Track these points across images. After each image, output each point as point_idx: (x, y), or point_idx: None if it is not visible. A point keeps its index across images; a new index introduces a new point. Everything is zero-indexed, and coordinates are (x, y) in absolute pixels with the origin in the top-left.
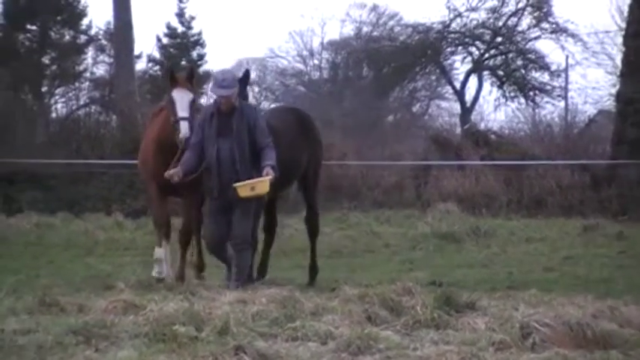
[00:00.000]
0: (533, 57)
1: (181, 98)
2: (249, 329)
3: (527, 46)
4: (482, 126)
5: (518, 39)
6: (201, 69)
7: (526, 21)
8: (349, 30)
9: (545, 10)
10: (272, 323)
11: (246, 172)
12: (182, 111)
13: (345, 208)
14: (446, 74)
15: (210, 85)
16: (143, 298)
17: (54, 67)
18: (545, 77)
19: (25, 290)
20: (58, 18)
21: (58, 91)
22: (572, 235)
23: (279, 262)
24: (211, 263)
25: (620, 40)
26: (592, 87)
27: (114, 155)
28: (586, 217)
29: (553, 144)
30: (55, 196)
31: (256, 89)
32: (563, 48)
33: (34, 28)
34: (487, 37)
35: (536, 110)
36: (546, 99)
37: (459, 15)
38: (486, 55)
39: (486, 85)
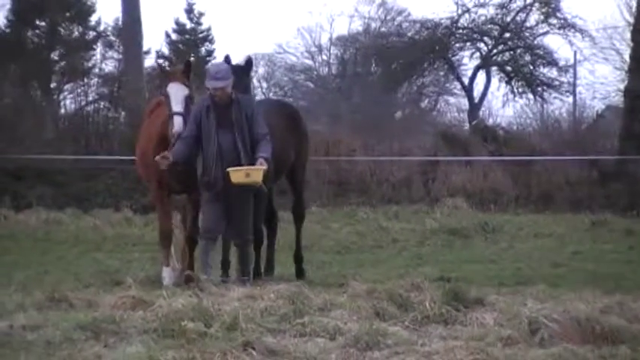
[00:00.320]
0: (541, 52)
1: (176, 93)
2: (258, 325)
3: (536, 42)
4: (490, 122)
5: (527, 35)
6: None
7: (534, 17)
8: (357, 26)
9: (553, 5)
10: (281, 319)
11: (249, 163)
12: (176, 105)
13: (353, 204)
14: (454, 70)
15: (206, 79)
16: (152, 293)
17: (63, 63)
18: (553, 73)
19: (34, 286)
20: (67, 14)
21: (66, 87)
22: (580, 231)
23: (288, 259)
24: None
25: (628, 35)
26: (600, 82)
27: (122, 151)
28: (594, 213)
29: (561, 139)
30: (63, 192)
31: (265, 85)
32: (571, 43)
33: (42, 24)
34: (495, 33)
35: (545, 106)
36: (554, 94)
37: (467, 11)
38: (495, 51)
39: (494, 80)
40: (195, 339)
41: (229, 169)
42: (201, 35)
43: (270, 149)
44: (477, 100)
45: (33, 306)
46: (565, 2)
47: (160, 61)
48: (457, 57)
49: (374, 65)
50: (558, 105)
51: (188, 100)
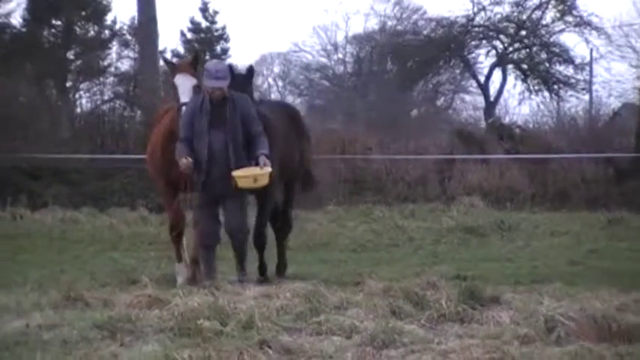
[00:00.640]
0: (557, 50)
1: (183, 83)
2: (274, 323)
3: (552, 40)
4: (506, 120)
5: (543, 32)
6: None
7: (550, 14)
8: (373, 24)
9: (569, 3)
10: (297, 317)
11: (239, 164)
12: (183, 96)
13: (369, 202)
14: (470, 68)
15: (204, 77)
16: (168, 292)
17: (78, 62)
18: (569, 70)
19: (50, 285)
20: (83, 13)
21: (82, 86)
22: (596, 229)
23: (303, 257)
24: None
25: None
26: (616, 80)
27: (138, 150)
28: (610, 211)
29: (577, 137)
30: (79, 191)
31: (280, 83)
32: (587, 41)
33: (58, 23)
34: (511, 31)
35: (561, 104)
36: (570, 92)
37: (483, 9)
38: (510, 49)
39: (510, 78)
40: (212, 338)
41: (235, 174)
42: (216, 34)
43: (267, 144)
44: (492, 98)
45: (49, 305)
46: (581, 0)
47: (166, 55)
48: (473, 55)
49: (390, 63)
50: (574, 103)
51: (196, 90)
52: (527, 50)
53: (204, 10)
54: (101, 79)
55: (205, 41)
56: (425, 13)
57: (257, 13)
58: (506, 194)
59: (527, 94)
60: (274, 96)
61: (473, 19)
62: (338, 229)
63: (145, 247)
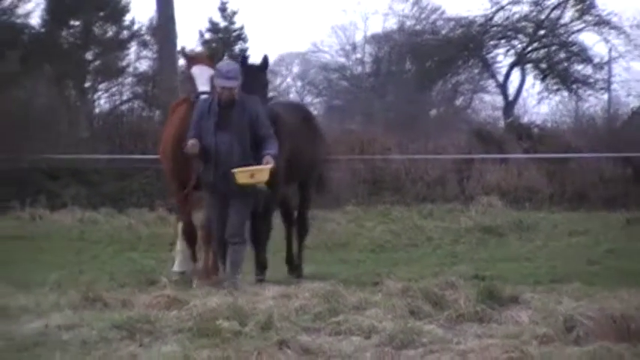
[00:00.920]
0: (576, 50)
1: (201, 73)
2: (293, 323)
3: (570, 39)
4: (525, 119)
5: (561, 32)
6: None
7: (569, 14)
8: (392, 24)
9: (588, 2)
10: (315, 317)
11: (245, 166)
12: (202, 85)
13: (387, 202)
14: (489, 67)
15: (214, 76)
16: (186, 292)
17: (97, 63)
18: (588, 70)
19: (69, 286)
20: (101, 14)
21: (101, 86)
22: (615, 229)
23: (322, 257)
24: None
25: None
26: (635, 79)
27: (157, 150)
28: (629, 210)
29: (596, 137)
30: (98, 191)
31: (299, 83)
32: (606, 40)
33: (77, 24)
34: (530, 30)
35: (579, 103)
36: (589, 92)
37: (502, 8)
38: (529, 48)
39: (529, 78)
40: (230, 338)
41: (234, 170)
42: (234, 34)
43: (276, 146)
44: (511, 98)
45: (68, 306)
46: None
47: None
48: (491, 54)
49: (408, 63)
50: (593, 102)
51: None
52: (546, 50)
53: (222, 10)
54: (120, 79)
55: (224, 41)
56: (443, 12)
57: (275, 13)
58: (524, 194)
59: (545, 93)
60: (293, 96)
61: (491, 19)
62: (357, 229)
63: (163, 248)
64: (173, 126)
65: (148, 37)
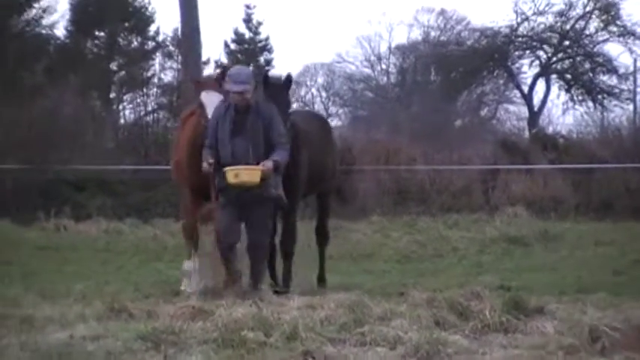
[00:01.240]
0: (601, 60)
1: (210, 100)
2: (318, 334)
3: (595, 50)
4: (550, 130)
5: (586, 42)
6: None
7: (594, 24)
8: (417, 35)
9: (612, 13)
10: (340, 328)
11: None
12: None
13: (413, 213)
14: (514, 78)
15: (226, 81)
16: (211, 303)
17: (122, 74)
18: (613, 80)
19: (94, 296)
20: (126, 24)
21: (126, 97)
22: None
23: (347, 267)
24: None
25: None
26: None
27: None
28: None
29: (621, 147)
30: (123, 202)
31: (324, 94)
32: (631, 51)
33: (102, 34)
34: (555, 41)
35: (605, 113)
36: (614, 102)
37: (527, 19)
38: (554, 59)
39: (554, 88)
40: (255, 349)
41: (225, 169)
42: (259, 45)
43: (285, 155)
44: (536, 108)
45: (93, 316)
46: (625, 9)
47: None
48: (516, 65)
49: (433, 74)
50: (618, 112)
51: None
52: (571, 60)
53: (247, 20)
54: (145, 90)
55: (249, 52)
56: (468, 23)
57: (301, 24)
58: (550, 204)
59: (570, 104)
60: (317, 107)
61: (516, 30)
62: (382, 240)
63: None
64: (186, 136)
65: (172, 48)
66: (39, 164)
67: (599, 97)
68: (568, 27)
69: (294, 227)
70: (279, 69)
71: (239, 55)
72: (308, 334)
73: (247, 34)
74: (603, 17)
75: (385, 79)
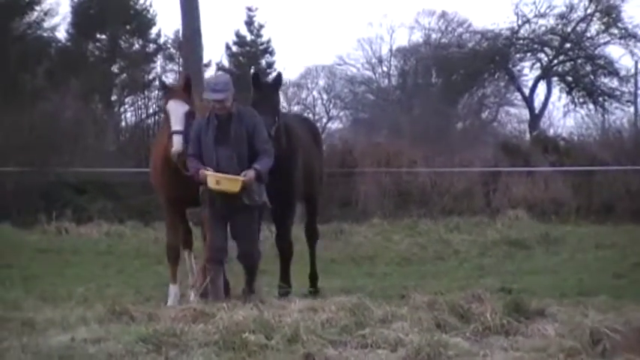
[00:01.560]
0: (602, 62)
1: (176, 110)
2: (319, 337)
3: (596, 52)
4: (551, 132)
5: (587, 45)
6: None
7: (595, 27)
8: (418, 37)
9: (614, 15)
10: (342, 331)
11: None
12: (176, 124)
13: (414, 216)
14: (515, 80)
15: (204, 90)
16: (212, 306)
17: (123, 76)
18: (614, 83)
19: (96, 299)
20: (128, 27)
21: (127, 99)
22: None
23: (348, 270)
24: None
25: None
26: None
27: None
28: None
29: (622, 149)
30: (124, 204)
31: (325, 97)
32: (632, 53)
33: (103, 37)
34: (556, 43)
35: (606, 116)
36: (615, 104)
37: (528, 21)
38: (555, 61)
39: (555, 91)
40: (256, 351)
41: (206, 173)
42: (261, 47)
43: (268, 163)
44: (537, 111)
45: (94, 319)
46: (626, 12)
47: (163, 78)
48: (517, 67)
49: (434, 76)
50: (619, 115)
51: (189, 117)
52: (572, 63)
53: (249, 23)
54: (146, 92)
55: (250, 54)
56: (470, 26)
57: (302, 27)
58: (551, 207)
59: (571, 106)
60: (318, 109)
61: (517, 32)
62: (383, 243)
63: None
64: (157, 152)
65: (173, 51)
66: (40, 167)
67: (600, 99)
68: (569, 29)
69: (289, 230)
70: (280, 71)
71: (240, 58)
72: (309, 336)
73: (249, 37)
74: (604, 20)
75: (386, 81)
